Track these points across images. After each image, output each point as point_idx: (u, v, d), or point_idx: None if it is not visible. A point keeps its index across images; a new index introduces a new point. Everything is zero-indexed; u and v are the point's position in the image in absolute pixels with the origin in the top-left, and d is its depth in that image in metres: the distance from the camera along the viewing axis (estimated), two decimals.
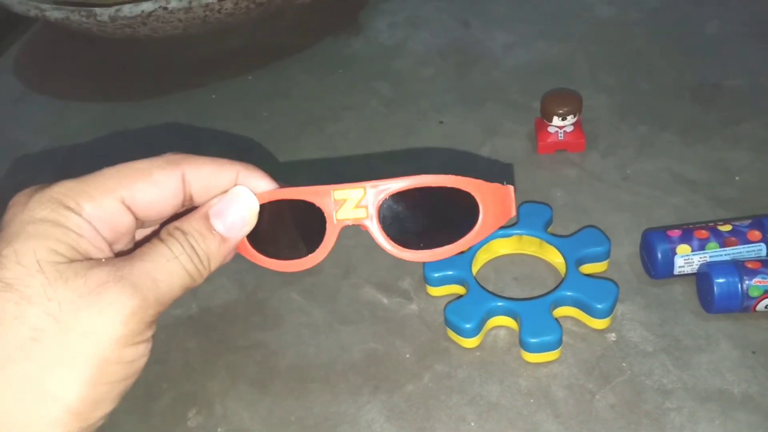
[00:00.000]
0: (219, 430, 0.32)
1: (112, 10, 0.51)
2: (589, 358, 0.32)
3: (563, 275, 0.34)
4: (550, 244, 0.35)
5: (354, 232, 0.42)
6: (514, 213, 0.28)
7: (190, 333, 0.36)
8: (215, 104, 0.56)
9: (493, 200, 0.26)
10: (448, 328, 0.33)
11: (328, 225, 0.25)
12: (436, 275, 0.35)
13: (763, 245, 0.33)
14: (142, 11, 0.51)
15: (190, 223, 0.24)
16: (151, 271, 0.22)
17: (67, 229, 0.22)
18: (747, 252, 0.33)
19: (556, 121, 0.42)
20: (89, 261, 0.22)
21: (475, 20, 0.60)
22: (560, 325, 0.31)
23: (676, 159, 0.43)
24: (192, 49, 0.62)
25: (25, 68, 0.66)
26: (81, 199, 0.23)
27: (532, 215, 0.37)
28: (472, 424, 0.30)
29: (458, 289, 0.35)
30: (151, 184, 0.24)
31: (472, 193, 0.25)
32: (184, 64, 0.62)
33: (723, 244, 0.33)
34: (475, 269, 0.36)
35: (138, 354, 0.23)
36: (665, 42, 0.54)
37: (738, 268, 0.32)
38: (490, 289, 0.36)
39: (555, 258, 0.36)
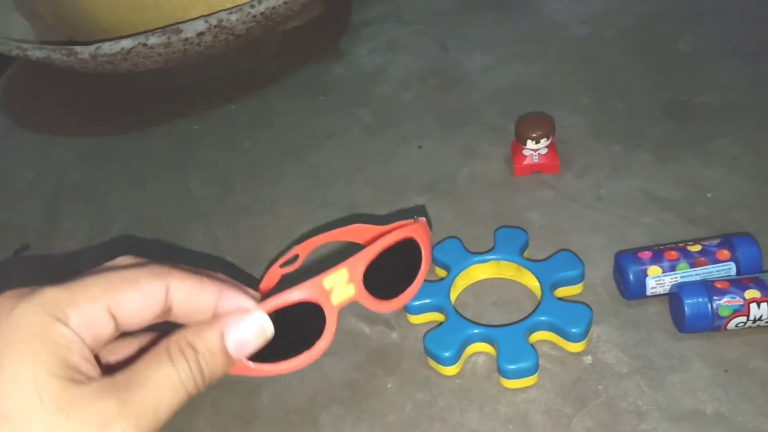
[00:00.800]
0: None
1: (92, 48, 0.52)
2: (566, 381, 0.33)
3: (539, 299, 0.35)
4: (526, 268, 0.36)
5: (336, 258, 0.43)
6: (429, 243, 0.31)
7: None
8: (198, 135, 0.57)
9: (424, 236, 0.30)
10: (428, 357, 0.34)
11: (327, 313, 0.26)
12: (415, 303, 0.35)
13: (732, 264, 0.34)
14: (122, 48, 0.51)
15: (203, 341, 0.24)
16: (155, 400, 0.22)
17: (58, 345, 0.21)
18: (717, 271, 0.34)
19: (530, 144, 0.43)
20: (88, 387, 0.21)
21: (453, 43, 0.61)
22: (536, 351, 0.32)
23: (649, 178, 0.44)
24: (175, 79, 0.63)
25: (9, 104, 0.67)
26: (69, 309, 0.22)
27: (507, 240, 0.38)
28: None
29: (438, 317, 0.36)
30: (137, 293, 0.23)
31: (415, 238, 0.29)
32: (167, 95, 0.62)
33: (693, 265, 0.34)
34: (454, 296, 0.37)
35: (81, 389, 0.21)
36: (639, 60, 0.55)
37: (708, 288, 0.33)
38: (469, 314, 0.36)
39: (532, 282, 0.36)
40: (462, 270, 0.37)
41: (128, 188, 0.52)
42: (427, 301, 0.35)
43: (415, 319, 0.36)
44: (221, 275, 0.27)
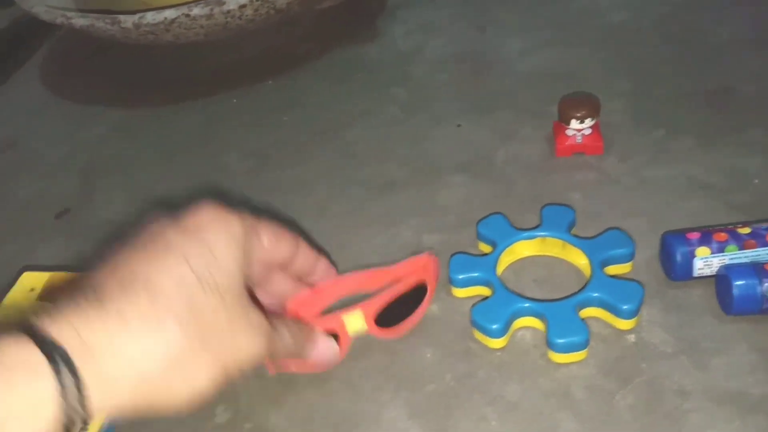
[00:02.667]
0: (246, 425, 0.32)
1: (135, 17, 0.52)
2: (609, 359, 0.33)
3: (586, 276, 0.35)
4: (574, 245, 0.36)
5: (371, 234, 0.42)
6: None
7: None
8: (234, 111, 0.57)
9: (433, 274, 0.36)
10: (475, 329, 0.34)
11: (342, 341, 0.34)
12: (461, 277, 0.35)
13: None
14: (165, 18, 0.52)
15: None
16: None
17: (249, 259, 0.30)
18: (766, 254, 0.34)
19: (574, 124, 0.43)
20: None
21: (490, 27, 0.61)
22: (587, 327, 0.32)
23: (692, 163, 0.43)
24: (208, 58, 0.63)
25: (46, 76, 0.68)
26: (257, 232, 0.31)
27: (554, 217, 0.37)
28: (493, 423, 0.31)
29: (483, 291, 0.36)
30: (287, 245, 0.33)
31: (425, 281, 0.35)
32: (200, 73, 0.63)
33: (742, 247, 0.34)
34: (498, 271, 0.36)
35: None
36: (677, 47, 0.55)
37: (757, 270, 0.32)
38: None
39: (578, 259, 0.36)
40: (508, 246, 0.37)
41: (163, 161, 0.53)
42: (475, 275, 0.35)
43: (460, 292, 0.36)
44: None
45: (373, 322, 0.33)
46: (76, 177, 0.52)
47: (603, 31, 0.58)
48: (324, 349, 0.32)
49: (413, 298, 0.35)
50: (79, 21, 0.54)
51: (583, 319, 0.33)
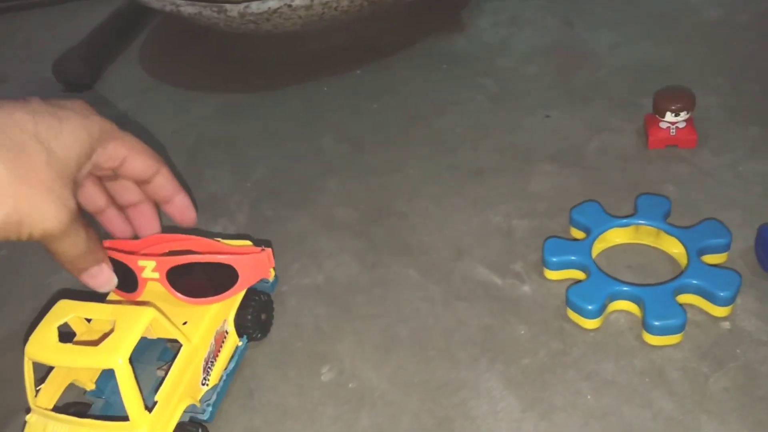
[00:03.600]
0: (350, 385, 0.35)
1: (241, 7, 0.55)
2: (703, 343, 0.34)
3: (680, 265, 0.35)
4: (670, 234, 0.37)
5: (463, 217, 0.44)
6: (270, 271, 0.38)
7: (318, 301, 0.40)
8: (327, 98, 0.60)
9: (249, 268, 0.35)
10: (569, 309, 0.35)
11: (139, 280, 0.35)
12: (555, 260, 0.37)
13: None
14: (269, 8, 0.55)
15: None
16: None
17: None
18: None
19: (669, 116, 0.43)
20: None
21: (578, 21, 0.62)
22: (684, 311, 0.33)
23: None
24: (298, 47, 0.67)
25: (148, 61, 0.72)
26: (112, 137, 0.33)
27: (650, 206, 0.38)
28: (589, 397, 0.32)
29: (576, 274, 0.37)
30: (142, 163, 0.34)
31: (234, 267, 0.34)
32: (293, 61, 0.66)
33: None
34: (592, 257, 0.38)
35: None
36: None
37: None
38: None
39: (672, 248, 0.37)
40: (602, 232, 0.38)
41: (263, 143, 0.56)
42: (571, 258, 0.37)
43: (553, 274, 0.38)
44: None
45: (164, 277, 0.34)
46: (184, 153, 0.56)
47: (697, 27, 0.58)
48: (105, 275, 0.33)
49: (221, 278, 0.34)
50: (188, 9, 0.58)
51: (681, 304, 0.33)
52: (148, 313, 0.30)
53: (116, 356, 0.28)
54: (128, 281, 0.34)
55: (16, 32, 0.80)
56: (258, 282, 0.37)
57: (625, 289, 0.34)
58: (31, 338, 0.30)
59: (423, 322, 0.38)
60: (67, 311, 0.31)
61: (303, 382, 0.36)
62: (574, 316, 0.35)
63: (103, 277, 0.32)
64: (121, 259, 0.34)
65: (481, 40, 0.62)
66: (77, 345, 0.30)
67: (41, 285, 0.45)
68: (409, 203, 0.46)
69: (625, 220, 0.38)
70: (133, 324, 0.29)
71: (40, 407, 0.30)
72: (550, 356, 0.34)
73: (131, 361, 0.29)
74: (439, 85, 0.58)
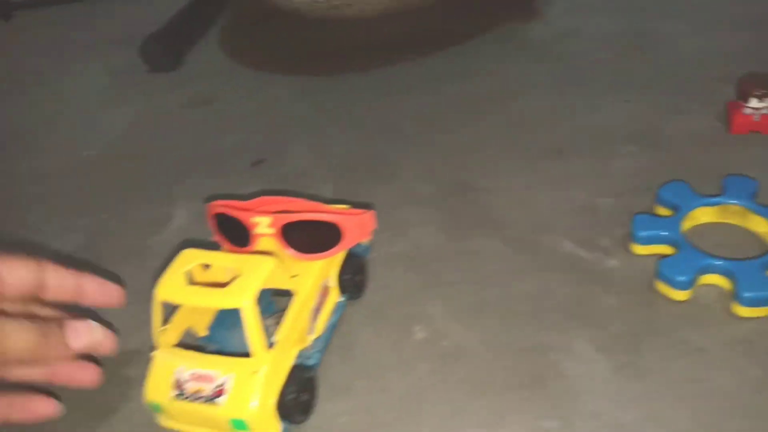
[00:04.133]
0: (443, 343, 0.37)
1: None
2: None
3: None
4: (758, 213, 0.38)
5: (545, 194, 0.46)
6: (371, 229, 0.39)
7: (407, 267, 0.42)
8: (401, 81, 0.62)
9: (355, 228, 0.37)
10: (659, 281, 0.36)
11: (251, 237, 0.37)
12: (644, 234, 0.38)
13: None
14: None
15: (49, 322, 0.31)
16: (4, 323, 0.29)
17: None
18: None
19: (754, 102, 0.44)
20: None
21: (651, 7, 0.62)
22: None
23: None
24: (372, 33, 0.68)
25: (228, 44, 0.75)
26: None
27: (737, 186, 0.39)
28: (680, 362, 0.34)
29: (664, 249, 0.38)
30: (19, 267, 0.31)
31: (339, 225, 0.36)
32: (365, 47, 0.68)
33: None
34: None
35: None
36: None
37: None
38: None
39: (760, 227, 0.38)
40: (690, 210, 0.39)
41: (343, 122, 0.58)
42: (662, 233, 0.38)
43: (640, 249, 0.39)
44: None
45: (279, 233, 0.35)
46: (268, 131, 0.59)
47: None
48: (84, 330, 0.31)
49: (328, 237, 0.36)
50: None
51: None
52: (271, 261, 0.32)
53: (244, 297, 0.31)
54: (242, 236, 0.37)
55: (102, 17, 0.84)
56: (354, 245, 0.39)
57: (716, 263, 0.35)
58: (161, 282, 0.33)
59: (510, 290, 0.39)
60: (192, 258, 0.34)
61: (397, 339, 0.38)
62: (663, 288, 0.36)
63: (82, 332, 0.31)
64: (235, 216, 0.36)
65: (555, 26, 0.63)
66: (205, 287, 0.32)
67: (143, 245, 0.48)
68: (490, 180, 0.48)
69: (713, 199, 0.39)
70: (257, 270, 0.32)
71: (166, 344, 0.33)
72: (640, 324, 0.36)
73: None
74: (513, 70, 0.59)
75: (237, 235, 0.37)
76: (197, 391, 0.31)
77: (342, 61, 0.67)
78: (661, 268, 0.36)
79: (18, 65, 0.79)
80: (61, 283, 0.33)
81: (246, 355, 0.31)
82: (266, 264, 0.32)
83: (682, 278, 0.35)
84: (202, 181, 0.54)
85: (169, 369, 0.32)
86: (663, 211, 0.41)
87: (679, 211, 0.39)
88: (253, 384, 0.31)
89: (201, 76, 0.70)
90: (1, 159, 0.62)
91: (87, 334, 0.31)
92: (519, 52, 0.61)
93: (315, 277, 0.36)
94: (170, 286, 0.32)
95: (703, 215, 0.40)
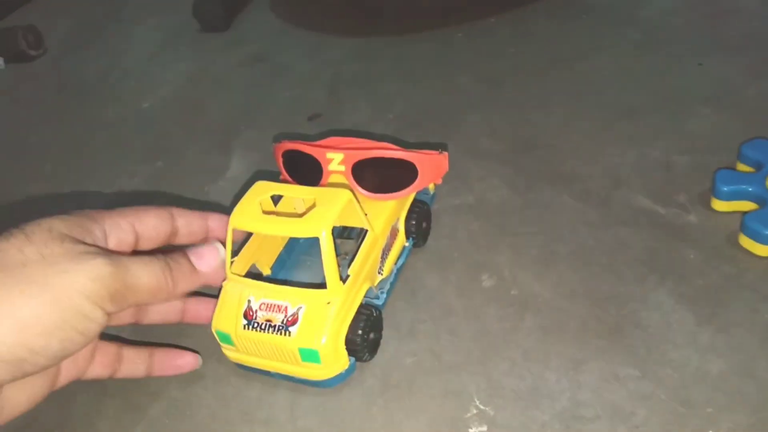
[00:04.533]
0: (512, 292, 0.36)
1: None
2: None
3: None
4: None
5: (618, 151, 0.44)
6: (445, 171, 0.38)
7: (471, 218, 0.41)
8: (461, 42, 0.60)
9: (430, 167, 0.36)
10: (744, 235, 0.35)
11: (324, 171, 0.36)
12: (727, 189, 0.36)
13: None
14: None
15: (172, 254, 0.31)
16: (129, 262, 0.28)
17: (84, 228, 0.29)
18: None
19: None
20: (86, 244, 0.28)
21: None
22: None
23: None
24: None
25: (280, 6, 0.75)
26: (103, 217, 0.30)
27: None
28: (766, 316, 0.32)
29: (746, 206, 0.36)
30: (153, 216, 0.32)
31: (415, 164, 0.35)
32: (424, 9, 0.67)
33: None
34: None
35: (94, 314, 0.27)
36: None
37: None
38: None
39: None
40: None
41: (400, 81, 0.57)
42: (746, 188, 0.36)
43: (721, 205, 0.37)
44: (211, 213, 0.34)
45: (350, 171, 0.35)
46: (323, 88, 0.58)
47: None
48: (208, 253, 0.32)
49: (401, 176, 0.35)
50: None
51: None
52: (346, 194, 0.32)
53: (321, 226, 0.30)
54: (314, 172, 0.36)
55: None
56: (421, 192, 0.38)
57: None
58: (235, 211, 0.32)
59: (582, 242, 0.38)
60: (266, 190, 0.33)
61: (464, 286, 0.37)
62: (747, 243, 0.35)
63: (207, 252, 0.32)
64: (309, 152, 0.36)
65: None
66: (281, 216, 0.32)
67: (200, 192, 0.48)
68: (557, 137, 0.46)
69: None
70: (333, 202, 0.31)
71: (235, 275, 0.33)
72: (723, 278, 0.34)
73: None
74: (580, 32, 0.58)
75: (307, 174, 0.36)
76: (268, 321, 0.31)
77: (398, 24, 0.65)
78: (747, 221, 0.34)
79: (77, 23, 0.80)
80: (191, 226, 0.33)
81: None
82: (343, 196, 0.31)
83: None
84: (258, 134, 0.54)
85: (239, 298, 0.32)
86: (744, 168, 0.39)
87: (763, 168, 0.37)
88: (326, 315, 0.30)
89: (253, 36, 0.70)
90: (68, 108, 0.63)
91: (212, 257, 0.32)
92: (585, 16, 0.59)
93: (387, 216, 0.35)
94: (245, 215, 0.32)
95: None
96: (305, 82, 0.60)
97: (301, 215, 0.31)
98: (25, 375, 0.26)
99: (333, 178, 0.36)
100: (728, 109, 0.45)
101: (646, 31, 0.55)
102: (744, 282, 0.34)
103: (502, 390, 0.31)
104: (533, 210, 0.41)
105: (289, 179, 0.38)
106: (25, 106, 0.66)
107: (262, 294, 0.32)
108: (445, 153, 0.37)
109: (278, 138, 0.40)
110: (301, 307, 0.31)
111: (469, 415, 0.31)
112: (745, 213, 0.35)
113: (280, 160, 0.38)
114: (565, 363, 0.32)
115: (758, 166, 0.38)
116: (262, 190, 0.33)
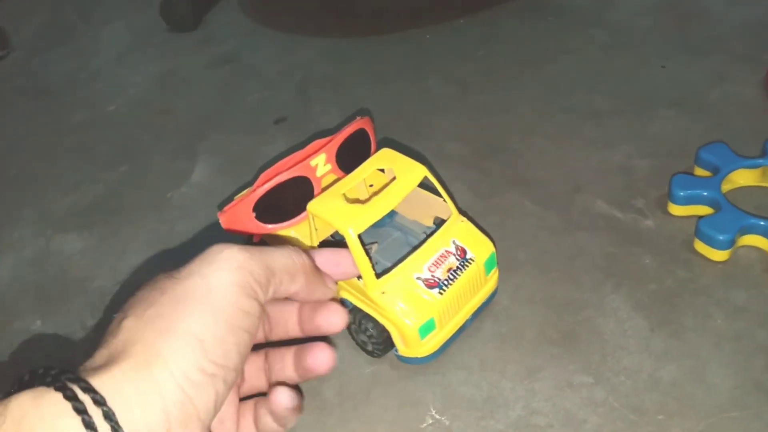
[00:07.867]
0: None
1: None
2: None
3: None
4: None
5: (582, 155, 0.44)
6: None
7: None
8: (430, 44, 0.60)
9: (370, 127, 0.39)
10: (698, 240, 0.35)
11: (314, 184, 0.36)
12: (683, 194, 0.37)
13: None
14: None
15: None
16: (264, 250, 0.26)
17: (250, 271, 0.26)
18: None
19: None
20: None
21: None
22: None
23: None
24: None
25: (250, 6, 0.74)
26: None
27: None
28: (719, 321, 0.32)
29: (702, 210, 0.37)
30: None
31: (365, 128, 0.39)
32: (393, 10, 0.66)
33: None
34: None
35: (252, 307, 0.25)
36: None
37: None
38: None
39: None
40: (731, 171, 0.37)
41: (370, 83, 0.57)
42: (702, 193, 0.36)
43: (678, 210, 0.37)
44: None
45: (335, 162, 0.36)
46: (292, 90, 0.58)
47: None
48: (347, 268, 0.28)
49: (361, 144, 0.38)
50: None
51: None
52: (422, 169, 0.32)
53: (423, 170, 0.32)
54: (302, 193, 0.35)
55: None
56: None
57: (760, 223, 0.34)
58: (334, 214, 0.31)
59: (542, 248, 0.38)
60: (342, 187, 0.32)
61: None
62: (702, 248, 0.35)
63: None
64: (292, 174, 0.34)
65: None
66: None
67: (162, 198, 0.47)
68: (523, 141, 0.46)
69: (754, 161, 0.38)
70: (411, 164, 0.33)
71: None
72: (678, 283, 0.34)
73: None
74: (548, 35, 0.58)
75: (295, 198, 0.35)
76: (449, 269, 0.32)
77: (368, 25, 0.65)
78: (701, 227, 0.35)
79: (44, 23, 0.79)
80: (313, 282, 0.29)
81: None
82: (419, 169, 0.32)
83: (723, 237, 0.34)
84: (224, 137, 0.53)
85: (408, 285, 0.31)
86: (702, 172, 0.39)
87: (719, 172, 0.38)
88: (474, 229, 0.33)
89: (223, 36, 0.69)
90: (34, 111, 0.62)
91: (347, 262, 0.29)
92: (552, 18, 0.60)
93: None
94: (350, 209, 0.31)
95: (742, 178, 0.38)
96: (274, 84, 0.60)
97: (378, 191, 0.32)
98: (225, 392, 0.24)
99: (325, 181, 0.36)
100: (691, 112, 0.46)
101: (614, 33, 0.56)
102: (698, 287, 0.34)
103: (459, 399, 0.31)
104: (496, 216, 0.41)
105: (266, 229, 0.36)
106: None
107: (417, 263, 0.31)
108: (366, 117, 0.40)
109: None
110: (453, 240, 0.33)
111: (425, 425, 0.31)
112: (700, 218, 0.35)
113: (254, 211, 0.35)
114: (520, 371, 0.32)
115: (715, 171, 0.38)
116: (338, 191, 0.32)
